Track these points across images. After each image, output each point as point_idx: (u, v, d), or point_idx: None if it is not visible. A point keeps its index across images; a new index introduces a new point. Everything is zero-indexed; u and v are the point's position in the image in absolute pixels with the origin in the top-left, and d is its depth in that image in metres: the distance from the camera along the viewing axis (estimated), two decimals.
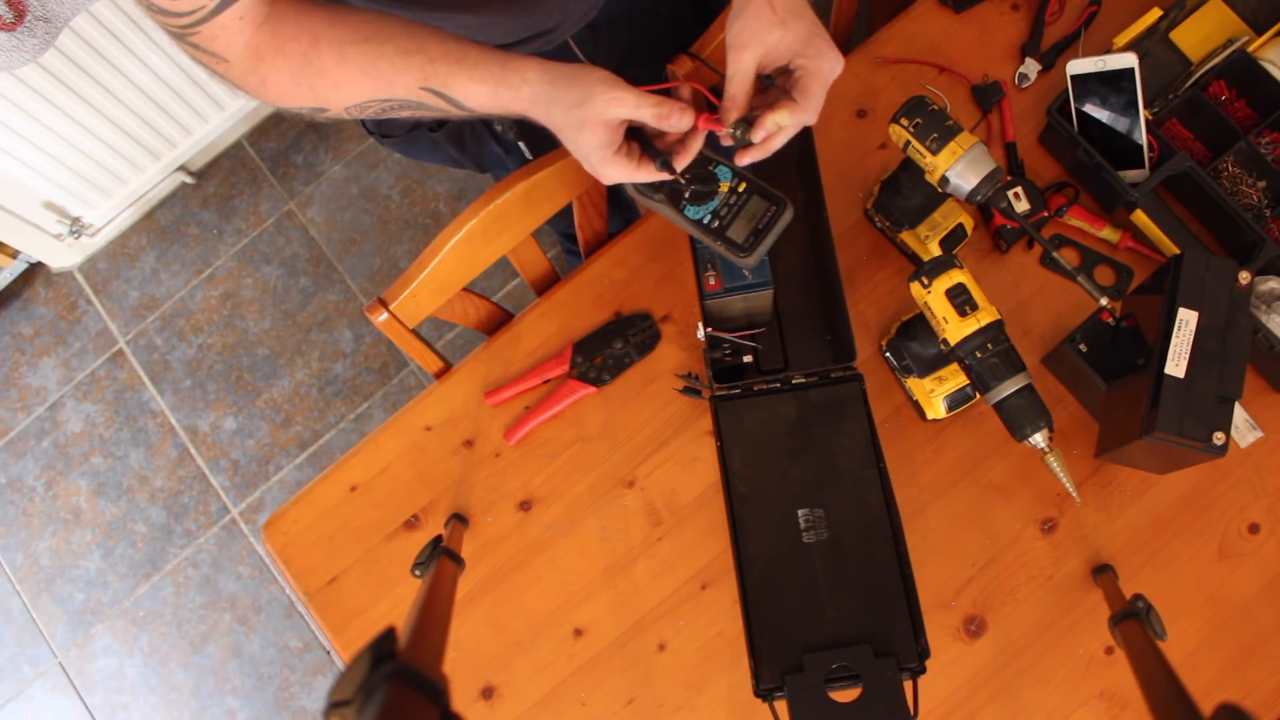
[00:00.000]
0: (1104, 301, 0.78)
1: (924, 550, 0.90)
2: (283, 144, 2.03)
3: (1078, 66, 0.91)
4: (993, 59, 1.03)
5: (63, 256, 1.97)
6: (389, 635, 0.43)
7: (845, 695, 0.76)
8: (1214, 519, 0.90)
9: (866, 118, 1.03)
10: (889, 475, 0.84)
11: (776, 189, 0.75)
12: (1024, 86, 1.01)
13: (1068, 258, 0.96)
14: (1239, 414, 0.91)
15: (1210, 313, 0.75)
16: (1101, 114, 0.92)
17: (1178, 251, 0.90)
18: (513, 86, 0.65)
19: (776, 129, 0.67)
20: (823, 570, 0.81)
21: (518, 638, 0.93)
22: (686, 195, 0.75)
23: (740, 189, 0.75)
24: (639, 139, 0.69)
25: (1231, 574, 0.88)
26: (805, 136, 0.93)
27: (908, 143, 0.82)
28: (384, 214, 1.99)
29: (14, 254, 1.92)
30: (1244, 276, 0.76)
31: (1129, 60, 0.89)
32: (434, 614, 0.65)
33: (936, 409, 0.90)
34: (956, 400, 0.89)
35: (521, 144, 0.98)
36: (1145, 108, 0.91)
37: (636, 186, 0.75)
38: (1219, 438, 0.72)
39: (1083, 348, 0.87)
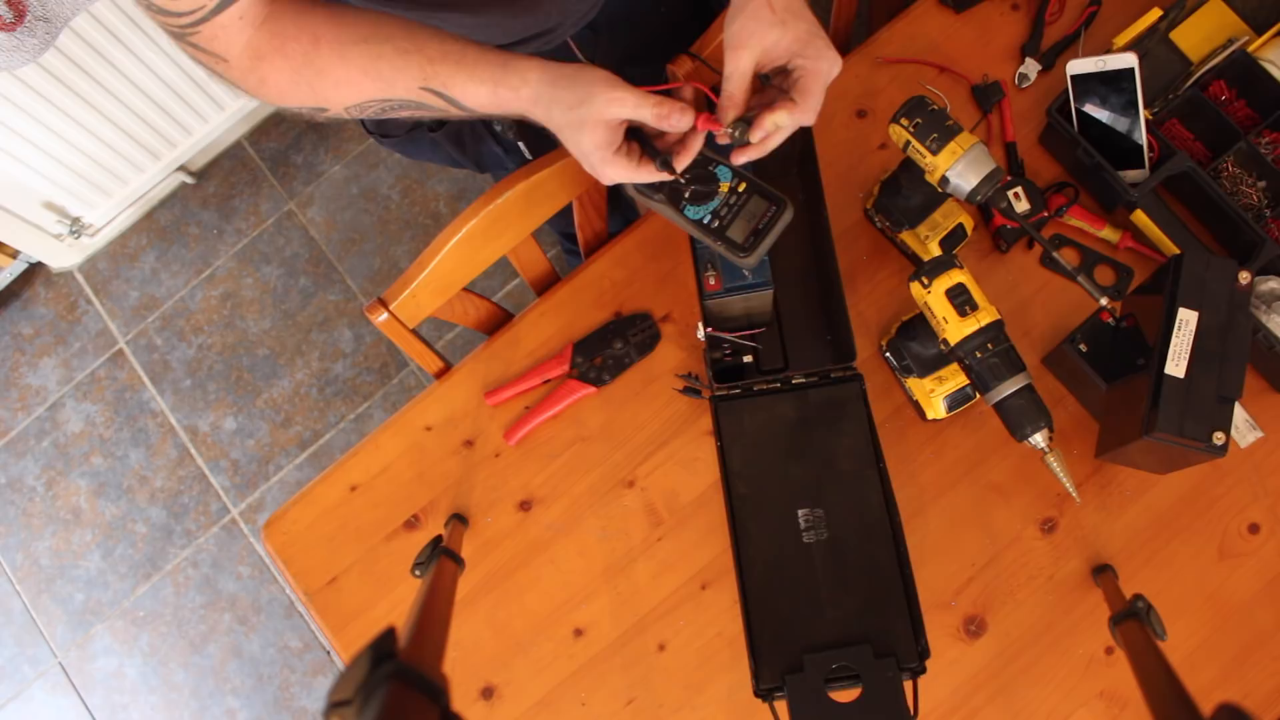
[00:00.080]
0: (1104, 301, 0.78)
1: (924, 550, 0.90)
2: (283, 144, 2.03)
3: (1078, 66, 0.91)
4: (993, 59, 1.03)
5: (63, 256, 1.97)
6: (389, 635, 0.43)
7: (845, 695, 0.76)
8: (1214, 519, 0.90)
9: (866, 118, 1.03)
10: (889, 475, 0.84)
11: (776, 189, 0.75)
12: (1024, 86, 1.01)
13: (1068, 258, 0.96)
14: (1239, 414, 0.91)
15: (1210, 313, 0.75)
16: (1101, 114, 0.92)
17: (1178, 251, 0.90)
18: (512, 87, 0.65)
19: (775, 129, 0.67)
20: (823, 570, 0.81)
21: (518, 638, 0.93)
22: (686, 195, 0.75)
23: (740, 189, 0.75)
24: (639, 139, 0.69)
25: (1231, 574, 0.88)
26: (805, 136, 0.93)
27: (908, 143, 0.82)
28: (384, 214, 1.99)
29: (14, 254, 1.92)
30: (1244, 276, 0.76)
31: (1129, 60, 0.89)
32: (434, 614, 0.65)
33: (936, 409, 0.90)
34: (956, 400, 0.89)
35: (521, 144, 0.98)
36: (1145, 108, 0.91)
37: (636, 186, 0.75)
38: (1219, 438, 0.72)
39: (1083, 348, 0.87)
